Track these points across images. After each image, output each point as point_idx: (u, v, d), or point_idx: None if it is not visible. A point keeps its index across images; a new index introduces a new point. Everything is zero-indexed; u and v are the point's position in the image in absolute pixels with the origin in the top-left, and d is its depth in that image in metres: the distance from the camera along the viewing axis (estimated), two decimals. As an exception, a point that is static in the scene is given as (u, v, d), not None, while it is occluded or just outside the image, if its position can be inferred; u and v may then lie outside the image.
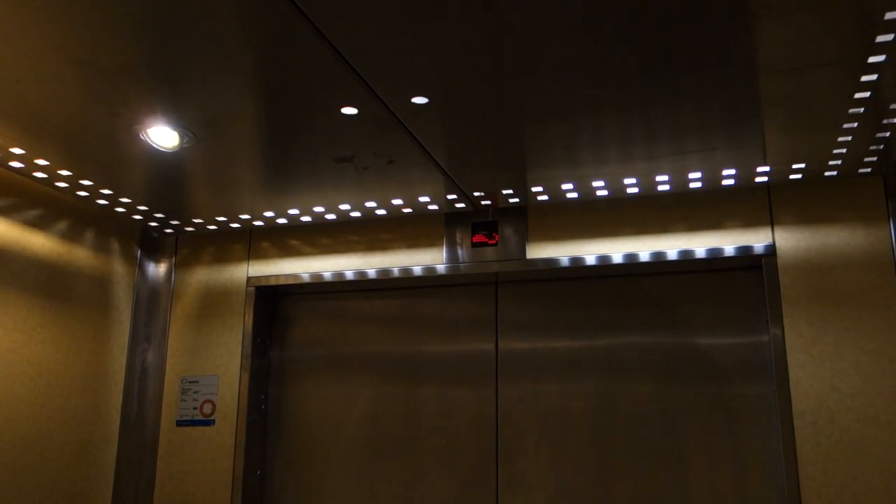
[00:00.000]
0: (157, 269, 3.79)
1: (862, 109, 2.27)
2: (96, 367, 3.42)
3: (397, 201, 3.20)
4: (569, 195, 3.10)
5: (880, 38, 1.87)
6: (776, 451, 2.91)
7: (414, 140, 2.54)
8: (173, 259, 3.82)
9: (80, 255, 3.36)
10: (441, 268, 3.37)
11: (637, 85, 2.13)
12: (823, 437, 2.73)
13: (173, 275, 3.79)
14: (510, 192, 3.08)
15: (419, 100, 2.23)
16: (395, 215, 3.41)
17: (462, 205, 3.25)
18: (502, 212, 3.32)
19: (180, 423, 3.59)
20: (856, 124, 2.38)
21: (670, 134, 2.47)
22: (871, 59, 1.97)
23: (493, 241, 3.30)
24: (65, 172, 2.90)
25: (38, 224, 3.13)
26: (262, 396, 3.65)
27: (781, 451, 2.78)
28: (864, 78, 2.07)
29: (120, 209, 3.37)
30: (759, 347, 3.03)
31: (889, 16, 1.76)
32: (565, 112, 2.31)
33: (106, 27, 1.87)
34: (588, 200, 3.18)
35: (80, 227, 3.36)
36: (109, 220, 3.53)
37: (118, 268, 3.60)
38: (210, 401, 3.57)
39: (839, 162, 2.71)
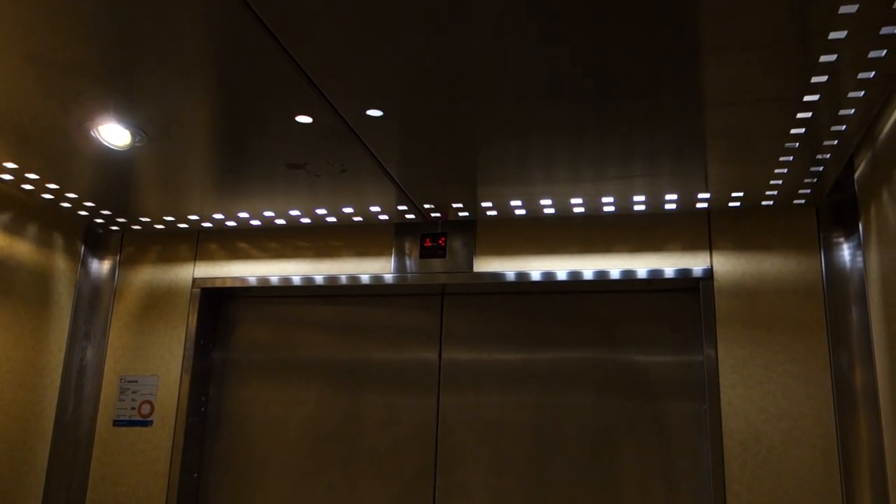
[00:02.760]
0: (101, 267, 3.74)
1: (797, 144, 2.38)
2: (33, 364, 3.36)
3: (348, 209, 3.23)
4: (517, 211, 3.17)
5: (815, 79, 1.97)
6: (706, 467, 3.00)
7: (367, 151, 2.57)
8: (118, 257, 3.77)
9: (22, 248, 3.30)
10: (389, 277, 3.40)
11: (588, 111, 2.20)
12: (750, 456, 2.83)
13: (117, 273, 3.75)
14: (460, 205, 3.13)
15: (374, 112, 2.26)
16: (345, 223, 3.43)
17: (412, 216, 3.29)
18: (451, 224, 3.37)
19: (117, 424, 3.54)
20: (791, 158, 2.50)
21: (617, 158, 2.55)
22: (807, 98, 2.08)
23: (442, 254, 3.34)
24: (11, 165, 2.85)
25: (-22, 216, 3.08)
26: (203, 399, 3.62)
27: (710, 468, 2.88)
28: (800, 115, 2.18)
29: (65, 204, 3.32)
30: (694, 367, 3.13)
31: (823, 59, 1.86)
32: (518, 132, 2.37)
33: (63, 24, 1.86)
34: (535, 217, 3.25)
35: (22, 221, 3.30)
36: (53, 214, 3.47)
37: (60, 263, 3.54)
38: (149, 401, 3.53)
39: (775, 192, 2.83)
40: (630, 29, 1.77)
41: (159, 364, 3.57)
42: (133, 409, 3.54)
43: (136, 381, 3.57)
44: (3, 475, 3.19)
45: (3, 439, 3.20)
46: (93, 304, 3.69)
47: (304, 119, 2.33)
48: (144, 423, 3.51)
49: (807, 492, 2.75)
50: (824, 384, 2.83)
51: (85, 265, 3.69)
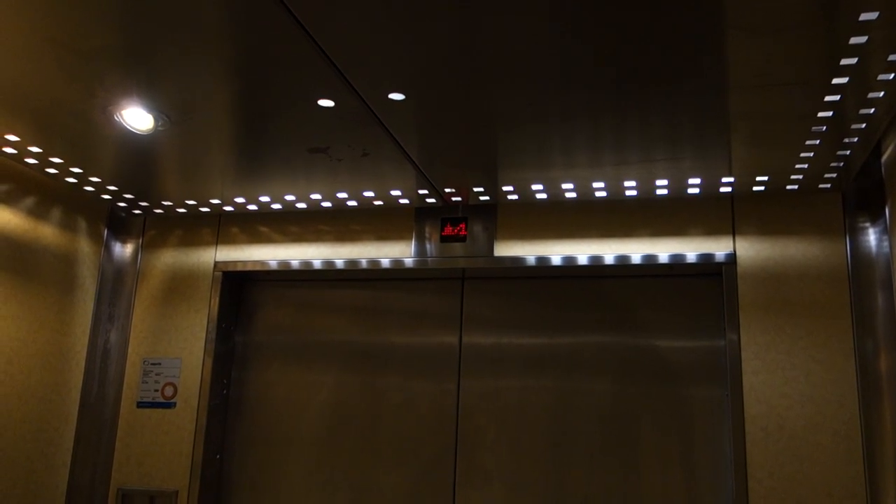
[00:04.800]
0: (124, 250, 3.77)
1: (824, 128, 2.35)
2: (58, 346, 3.40)
3: (369, 193, 3.23)
4: (538, 196, 3.15)
5: (844, 62, 1.94)
6: (727, 453, 2.99)
7: (388, 135, 2.56)
8: (140, 240, 3.80)
9: (46, 232, 3.33)
10: (409, 261, 3.41)
11: (609, 94, 2.18)
12: (772, 441, 2.82)
13: (139, 256, 3.78)
14: (481, 189, 3.12)
15: (396, 96, 2.26)
16: (365, 207, 3.43)
17: (433, 200, 3.29)
18: (472, 209, 3.36)
19: (141, 405, 3.58)
20: (818, 142, 2.46)
21: (639, 142, 2.53)
22: (835, 81, 2.05)
23: (462, 238, 3.34)
24: (35, 149, 2.87)
25: (4, 199, 3.10)
26: (225, 381, 3.65)
27: (731, 454, 2.87)
28: (828, 98, 2.15)
29: (89, 188, 3.35)
30: (716, 352, 3.12)
31: (853, 41, 1.83)
32: (538, 117, 2.35)
33: (85, 8, 1.86)
34: (557, 202, 3.23)
35: (47, 205, 3.33)
36: (77, 198, 3.50)
37: (84, 247, 3.57)
38: (172, 383, 3.56)
39: (800, 177, 2.80)
40: (652, 11, 1.75)
41: (182, 346, 3.60)
42: (156, 391, 3.57)
43: (160, 364, 3.60)
44: (30, 455, 3.24)
45: (30, 420, 3.24)
46: (116, 287, 3.72)
47: (326, 103, 2.33)
48: (168, 405, 3.54)
49: (829, 477, 2.74)
50: (848, 370, 2.80)
51: (108, 249, 3.72)
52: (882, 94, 2.10)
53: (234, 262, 3.64)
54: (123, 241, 3.78)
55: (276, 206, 3.46)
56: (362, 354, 3.56)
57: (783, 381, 2.86)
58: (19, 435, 3.19)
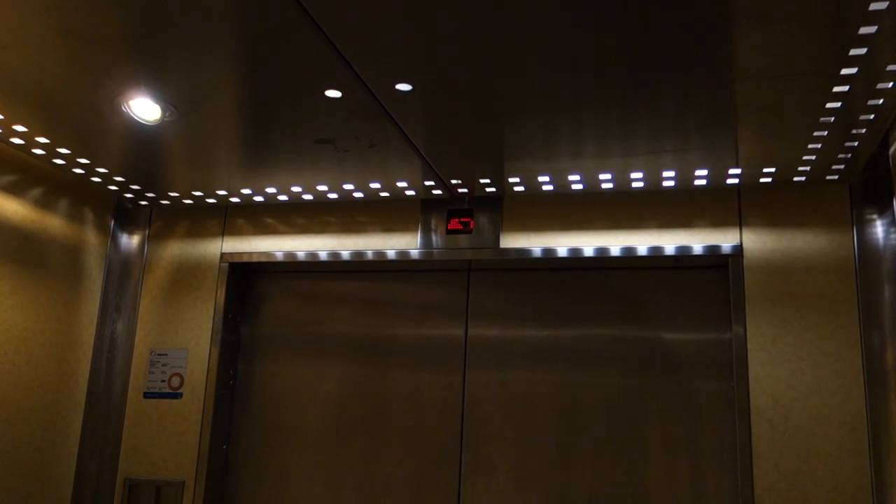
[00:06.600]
0: (130, 241, 3.78)
1: (832, 119, 2.34)
2: (65, 336, 3.41)
3: (375, 185, 3.23)
4: (545, 187, 3.15)
5: (854, 52, 1.93)
6: (733, 444, 3.00)
7: (395, 126, 2.56)
8: (147, 231, 3.80)
9: (53, 222, 3.34)
10: (415, 253, 3.41)
11: (617, 85, 2.18)
12: (777, 433, 2.82)
13: (146, 247, 3.78)
14: (487, 181, 3.12)
15: (403, 87, 2.26)
16: (371, 198, 3.43)
17: (439, 191, 3.29)
18: (478, 200, 3.36)
19: (148, 396, 3.60)
20: (826, 133, 2.46)
21: (647, 133, 2.53)
22: (844, 71, 2.04)
23: (468, 229, 3.34)
24: (43, 140, 2.88)
25: (11, 190, 3.11)
26: (231, 372, 3.66)
27: (737, 446, 2.87)
28: (837, 89, 2.14)
29: (96, 179, 3.35)
30: (722, 344, 3.12)
31: (863, 30, 1.83)
32: (546, 108, 2.35)
33: (95, -2, 1.87)
34: (563, 193, 3.23)
35: (54, 195, 3.34)
36: (84, 189, 3.50)
37: (91, 237, 3.58)
38: (178, 374, 3.58)
39: (808, 168, 2.79)
40: (660, 0, 1.75)
41: (188, 337, 3.61)
42: (163, 381, 3.59)
43: (166, 354, 3.62)
44: (37, 444, 3.26)
45: (38, 410, 3.26)
46: (123, 278, 3.73)
47: (333, 93, 2.33)
48: (174, 396, 3.56)
49: (835, 469, 2.74)
50: (854, 362, 2.80)
51: (115, 240, 3.73)
52: (891, 84, 2.09)
53: (241, 254, 3.65)
54: (130, 232, 3.79)
55: (283, 197, 3.47)
56: (368, 346, 3.57)
57: (789, 374, 2.86)
58: (27, 424, 3.20)
